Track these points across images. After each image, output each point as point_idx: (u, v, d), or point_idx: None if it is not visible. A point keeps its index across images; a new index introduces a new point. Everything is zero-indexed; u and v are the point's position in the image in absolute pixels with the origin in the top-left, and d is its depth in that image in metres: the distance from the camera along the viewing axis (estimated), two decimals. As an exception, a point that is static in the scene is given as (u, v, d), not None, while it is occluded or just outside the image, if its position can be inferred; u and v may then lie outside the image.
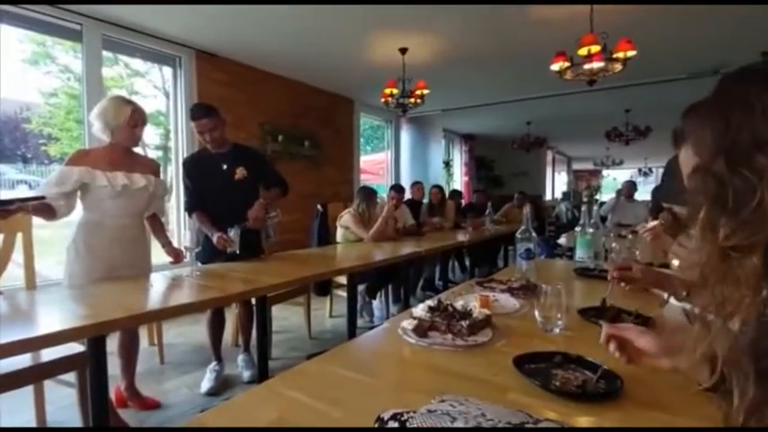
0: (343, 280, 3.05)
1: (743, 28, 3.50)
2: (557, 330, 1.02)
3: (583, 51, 3.02)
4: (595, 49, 2.99)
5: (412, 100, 4.15)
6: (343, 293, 3.11)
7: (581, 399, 0.71)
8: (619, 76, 3.29)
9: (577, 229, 1.96)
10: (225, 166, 2.28)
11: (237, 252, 2.11)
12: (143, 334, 2.27)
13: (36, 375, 1.58)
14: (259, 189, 2.38)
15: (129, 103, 1.87)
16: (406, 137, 7.00)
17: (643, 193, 5.69)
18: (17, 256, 1.82)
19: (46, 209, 1.67)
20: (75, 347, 1.57)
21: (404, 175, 6.90)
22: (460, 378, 0.82)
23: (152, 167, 2.00)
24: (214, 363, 2.39)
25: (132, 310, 1.31)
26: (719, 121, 0.45)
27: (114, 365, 1.85)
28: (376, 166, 7.09)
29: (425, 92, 4.09)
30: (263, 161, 2.49)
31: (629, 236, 2.49)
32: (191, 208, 2.31)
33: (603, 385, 0.73)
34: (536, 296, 1.10)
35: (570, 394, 0.72)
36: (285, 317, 3.48)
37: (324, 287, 3.36)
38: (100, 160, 1.81)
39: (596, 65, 3.08)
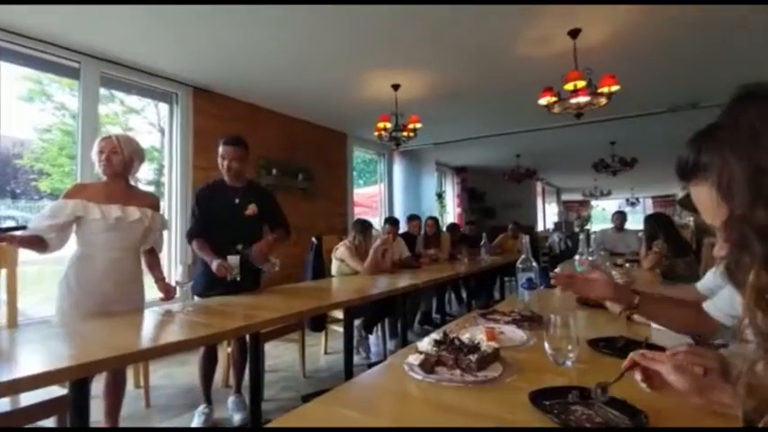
0: (339, 314, 2.97)
1: (719, 64, 3.68)
2: (569, 363, 0.98)
3: (569, 86, 3.13)
4: (581, 84, 3.11)
5: (405, 134, 4.23)
6: (339, 329, 3.01)
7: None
8: (604, 109, 3.41)
9: (576, 257, 1.95)
10: (237, 200, 2.30)
11: (238, 279, 2.07)
12: (128, 375, 2.16)
13: (14, 420, 1.47)
14: (264, 228, 2.39)
15: (103, 135, 1.90)
16: (398, 170, 7.09)
17: (631, 223, 5.76)
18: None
19: (36, 241, 1.64)
20: (58, 390, 1.47)
21: (397, 207, 6.92)
22: (474, 417, 0.77)
23: (150, 201, 1.98)
24: (203, 405, 2.26)
25: (120, 350, 1.24)
26: (747, 162, 0.41)
27: (97, 409, 1.74)
28: (369, 199, 7.12)
29: (418, 126, 4.18)
30: (273, 201, 2.51)
31: (626, 264, 2.50)
32: (192, 234, 2.30)
33: (628, 421, 0.69)
34: (543, 327, 1.06)
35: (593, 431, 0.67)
36: (278, 354, 3.36)
37: (319, 322, 3.26)
38: (96, 194, 1.81)
39: (582, 99, 3.19)
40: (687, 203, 0.53)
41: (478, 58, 3.53)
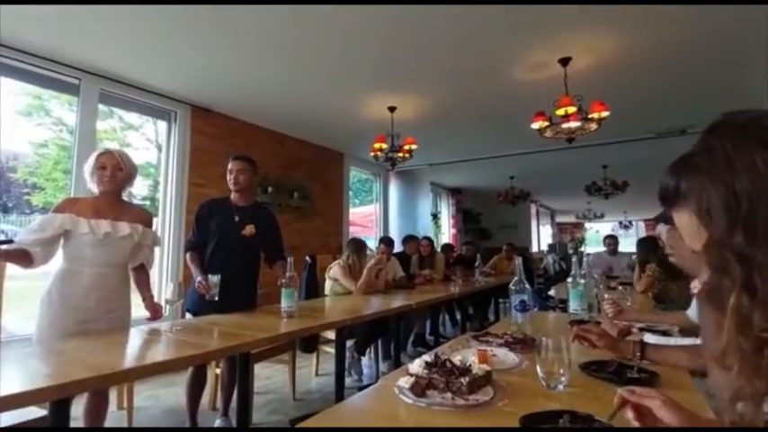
0: (331, 335, 2.93)
1: (706, 91, 3.79)
2: (560, 387, 0.96)
3: (560, 112, 3.20)
4: (572, 109, 3.18)
5: (400, 154, 4.27)
6: (331, 350, 2.96)
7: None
8: (595, 134, 3.47)
9: (569, 280, 1.95)
10: (237, 219, 2.29)
11: (216, 299, 2.03)
12: (112, 396, 2.09)
13: (-13, 446, 1.41)
14: (260, 252, 2.39)
15: (103, 150, 1.86)
16: (394, 190, 7.13)
17: (625, 246, 5.78)
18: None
19: (22, 255, 1.61)
20: (37, 411, 1.42)
21: (392, 227, 6.93)
22: (463, 442, 0.76)
23: (142, 217, 1.95)
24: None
25: (101, 370, 1.20)
26: (723, 187, 0.43)
27: (77, 433, 1.68)
28: (365, 218, 7.13)
29: (414, 147, 4.23)
30: (275, 227, 2.50)
31: (620, 287, 2.49)
32: (188, 247, 2.32)
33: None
34: (535, 350, 1.05)
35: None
36: (268, 376, 3.28)
37: (310, 343, 3.20)
38: (87, 208, 1.78)
39: (573, 124, 3.26)
40: (662, 217, 0.55)
41: (474, 82, 3.61)
